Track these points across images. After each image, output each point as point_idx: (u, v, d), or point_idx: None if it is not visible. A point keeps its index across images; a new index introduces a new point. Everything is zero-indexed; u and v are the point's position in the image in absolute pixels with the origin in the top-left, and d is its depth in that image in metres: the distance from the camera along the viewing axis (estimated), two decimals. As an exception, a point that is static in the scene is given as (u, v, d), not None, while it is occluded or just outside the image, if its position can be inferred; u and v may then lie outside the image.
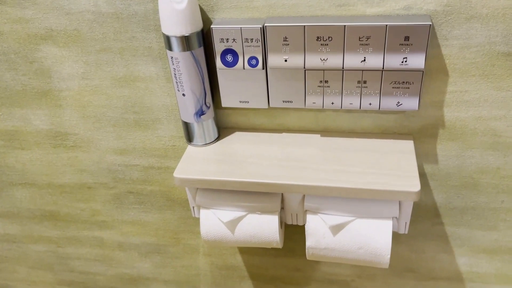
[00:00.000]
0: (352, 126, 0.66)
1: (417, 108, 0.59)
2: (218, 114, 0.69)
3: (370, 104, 0.60)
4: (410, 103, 0.59)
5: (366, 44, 0.55)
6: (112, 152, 0.75)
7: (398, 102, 0.59)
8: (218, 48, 0.59)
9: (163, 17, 0.57)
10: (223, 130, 0.69)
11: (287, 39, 0.57)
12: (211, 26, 0.58)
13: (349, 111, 0.65)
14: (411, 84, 0.58)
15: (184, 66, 0.59)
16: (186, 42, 0.58)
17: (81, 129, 0.74)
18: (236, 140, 0.67)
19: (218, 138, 0.68)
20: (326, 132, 0.67)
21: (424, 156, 0.66)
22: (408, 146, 0.62)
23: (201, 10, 0.60)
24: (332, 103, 0.61)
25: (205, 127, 0.65)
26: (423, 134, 0.63)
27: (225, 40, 0.59)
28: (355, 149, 0.63)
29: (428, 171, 0.67)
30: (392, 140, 0.64)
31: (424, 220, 0.74)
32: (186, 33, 0.57)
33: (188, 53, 0.58)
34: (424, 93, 0.61)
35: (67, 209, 0.86)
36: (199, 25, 0.58)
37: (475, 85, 0.59)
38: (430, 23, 0.53)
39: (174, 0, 0.55)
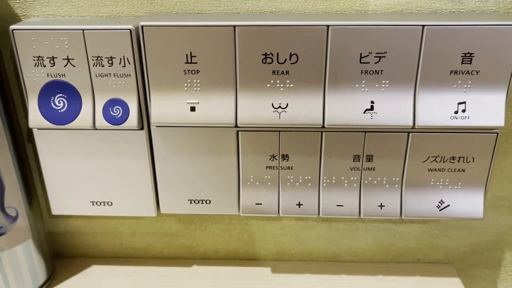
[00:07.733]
0: (334, 249, 0.33)
1: (481, 215, 0.27)
2: (47, 229, 0.33)
3: (381, 206, 0.27)
4: (468, 203, 0.27)
5: (376, 73, 0.24)
6: None
7: (441, 202, 0.27)
8: (31, 80, 0.25)
9: None
10: (60, 263, 0.33)
11: (193, 59, 0.24)
12: (12, 27, 0.24)
13: (331, 219, 0.32)
14: (470, 162, 0.26)
15: None
16: None
17: None
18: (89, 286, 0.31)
19: (48, 284, 0.31)
20: (279, 261, 0.33)
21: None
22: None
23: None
24: (299, 204, 0.27)
25: (8, 264, 0.28)
26: (475, 263, 0.32)
27: (46, 61, 0.24)
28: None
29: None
30: (413, 278, 0.32)
31: None
32: None
33: None
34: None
35: None
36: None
37: None
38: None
39: None
